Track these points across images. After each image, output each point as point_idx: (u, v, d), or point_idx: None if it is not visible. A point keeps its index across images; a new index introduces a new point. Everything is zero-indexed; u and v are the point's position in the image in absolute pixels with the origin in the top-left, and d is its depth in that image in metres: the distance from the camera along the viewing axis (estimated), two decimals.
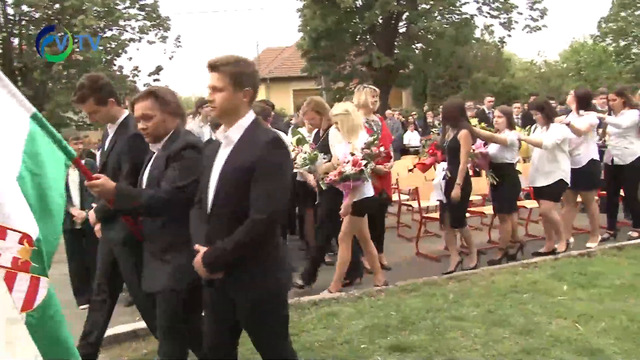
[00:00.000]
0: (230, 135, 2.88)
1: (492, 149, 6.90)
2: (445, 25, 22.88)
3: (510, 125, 6.94)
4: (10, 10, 19.11)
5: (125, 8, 19.89)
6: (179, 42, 21.20)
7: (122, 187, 3.24)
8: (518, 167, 7.35)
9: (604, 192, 8.05)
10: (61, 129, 18.58)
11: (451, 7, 23.23)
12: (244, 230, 2.73)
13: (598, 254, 6.69)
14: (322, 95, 24.51)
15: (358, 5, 22.35)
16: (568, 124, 6.94)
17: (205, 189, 2.90)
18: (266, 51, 37.40)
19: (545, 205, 6.94)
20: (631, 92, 8.73)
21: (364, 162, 5.55)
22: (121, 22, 19.74)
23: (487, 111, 12.42)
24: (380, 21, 22.88)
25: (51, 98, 18.74)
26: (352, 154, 5.60)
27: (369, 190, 5.80)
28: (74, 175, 6.19)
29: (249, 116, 2.91)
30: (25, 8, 19.09)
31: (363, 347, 4.41)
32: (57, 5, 18.89)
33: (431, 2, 22.18)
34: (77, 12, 18.21)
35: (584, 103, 7.42)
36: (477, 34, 25.33)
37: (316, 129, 6.74)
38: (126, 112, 4.09)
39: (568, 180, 6.85)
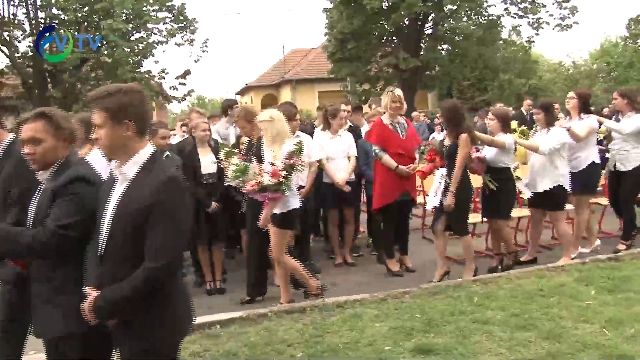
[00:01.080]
0: (125, 172, 2.66)
1: (489, 153, 6.65)
2: (472, 27, 22.64)
3: (505, 128, 6.72)
4: (40, 14, 19.47)
5: (153, 11, 20.09)
6: (206, 46, 21.36)
7: None
8: (517, 173, 7.16)
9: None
10: None
11: (478, 8, 23.00)
12: (139, 277, 2.52)
13: (627, 258, 6.57)
14: (348, 97, 24.54)
15: (384, 7, 22.27)
16: (568, 129, 6.69)
17: (99, 228, 2.68)
18: (292, 53, 37.56)
19: (554, 217, 6.83)
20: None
21: (284, 173, 5.28)
22: (149, 25, 19.95)
23: (524, 113, 12.26)
24: (407, 22, 22.76)
25: (80, 99, 19.04)
26: (273, 164, 5.35)
27: (294, 202, 5.59)
28: None
29: (145, 151, 2.69)
30: (55, 11, 19.45)
31: (387, 349, 4.40)
32: (86, 8, 19.19)
33: (457, 3, 21.96)
34: (106, 15, 18.48)
35: (586, 105, 7.14)
36: (504, 34, 24.97)
37: (249, 138, 6.51)
38: (11, 136, 3.74)
39: (567, 186, 6.66)
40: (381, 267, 7.22)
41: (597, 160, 7.07)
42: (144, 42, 20.08)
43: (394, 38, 24.12)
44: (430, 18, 23.30)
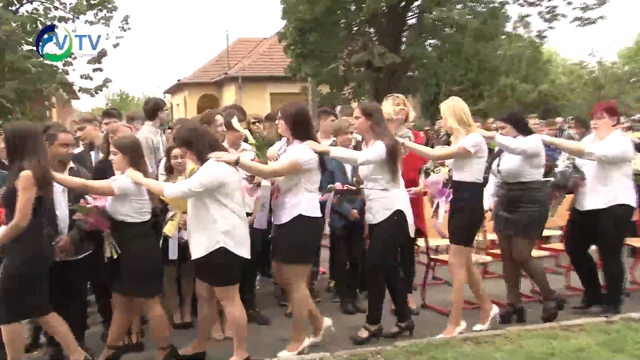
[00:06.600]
0: None
1: (109, 201, 5.76)
2: (467, 16, 22.43)
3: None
4: None
5: None
6: (127, 23, 20.93)
7: None
8: (168, 229, 6.20)
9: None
10: None
11: None
12: None
13: None
14: (309, 103, 24.46)
15: None
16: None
17: None
18: (239, 43, 37.68)
19: (220, 295, 5.89)
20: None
21: None
22: None
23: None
24: (384, 9, 22.84)
25: None
26: None
27: None
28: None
29: None
30: None
31: None
32: None
33: None
34: None
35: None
36: (509, 27, 24.91)
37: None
38: None
39: (234, 249, 5.66)
40: (346, 317, 7.21)
41: (311, 212, 6.05)
42: (37, 18, 19.57)
43: (368, 29, 24.17)
44: (414, 5, 23.47)
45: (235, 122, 6.59)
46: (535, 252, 7.93)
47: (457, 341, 5.95)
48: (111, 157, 5.99)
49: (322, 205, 6.89)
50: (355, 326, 6.75)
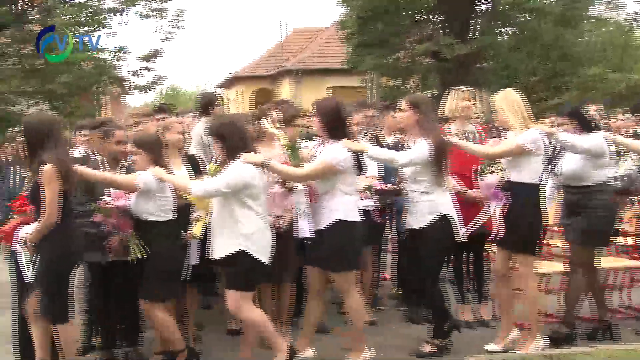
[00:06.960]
0: None
1: (133, 199, 5.91)
2: (546, 0, 22.10)
3: (156, 159, 5.98)
4: None
5: None
6: (181, 17, 21.03)
7: None
8: (196, 229, 6.21)
9: None
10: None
11: None
12: None
13: None
14: (371, 96, 24.36)
15: None
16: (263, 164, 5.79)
17: None
18: (296, 33, 37.80)
19: (231, 299, 5.80)
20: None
21: None
22: None
23: None
24: None
25: None
26: None
27: None
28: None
29: None
30: None
31: None
32: None
33: None
34: None
35: (335, 125, 6.12)
36: (595, 10, 24.35)
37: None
38: None
39: (258, 254, 5.67)
40: (412, 328, 7.21)
41: (351, 216, 6.01)
42: (90, 9, 19.87)
43: (435, 16, 24.00)
44: None
45: (266, 122, 6.61)
46: (626, 262, 7.74)
47: (535, 357, 5.85)
48: (132, 157, 6.13)
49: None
50: (418, 337, 6.72)
